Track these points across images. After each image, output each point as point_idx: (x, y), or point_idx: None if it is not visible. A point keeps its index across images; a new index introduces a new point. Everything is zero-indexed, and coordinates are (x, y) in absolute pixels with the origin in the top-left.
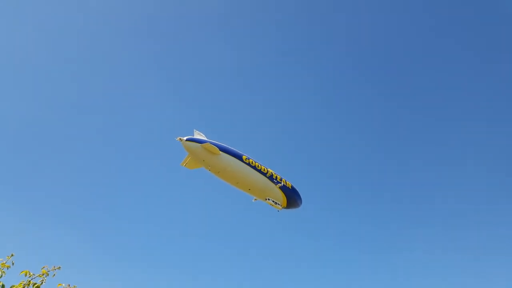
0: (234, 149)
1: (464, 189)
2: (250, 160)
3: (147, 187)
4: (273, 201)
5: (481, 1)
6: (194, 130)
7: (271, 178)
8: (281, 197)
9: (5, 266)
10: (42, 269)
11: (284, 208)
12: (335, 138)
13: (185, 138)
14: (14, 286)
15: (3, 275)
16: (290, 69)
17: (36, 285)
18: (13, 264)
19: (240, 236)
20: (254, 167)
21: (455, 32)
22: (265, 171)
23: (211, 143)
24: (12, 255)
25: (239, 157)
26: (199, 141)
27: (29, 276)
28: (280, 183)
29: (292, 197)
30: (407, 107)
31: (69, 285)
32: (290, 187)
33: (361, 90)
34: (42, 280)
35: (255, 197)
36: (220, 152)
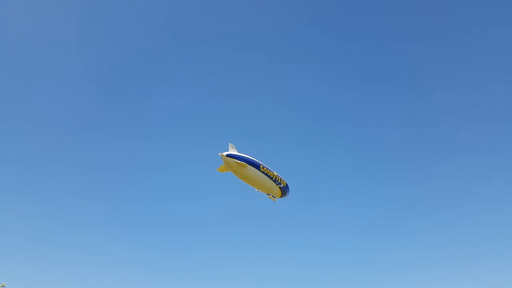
0: (256, 160)
1: None
2: (265, 169)
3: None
4: (272, 196)
5: None
6: (229, 144)
7: (275, 181)
8: (278, 193)
9: None
10: None
11: (278, 198)
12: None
13: (225, 154)
14: None
15: None
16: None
17: None
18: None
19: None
20: (266, 174)
21: None
22: (272, 176)
23: (243, 160)
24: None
25: (258, 167)
26: (234, 157)
27: None
28: (280, 184)
29: (284, 191)
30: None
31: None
32: (285, 185)
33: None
34: None
35: (257, 189)
36: (247, 165)
